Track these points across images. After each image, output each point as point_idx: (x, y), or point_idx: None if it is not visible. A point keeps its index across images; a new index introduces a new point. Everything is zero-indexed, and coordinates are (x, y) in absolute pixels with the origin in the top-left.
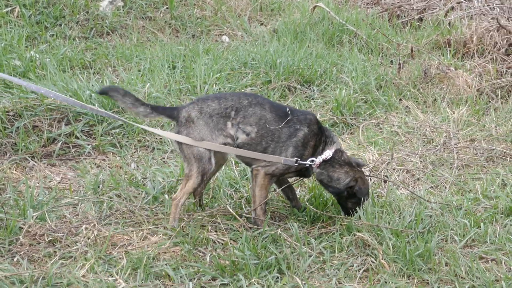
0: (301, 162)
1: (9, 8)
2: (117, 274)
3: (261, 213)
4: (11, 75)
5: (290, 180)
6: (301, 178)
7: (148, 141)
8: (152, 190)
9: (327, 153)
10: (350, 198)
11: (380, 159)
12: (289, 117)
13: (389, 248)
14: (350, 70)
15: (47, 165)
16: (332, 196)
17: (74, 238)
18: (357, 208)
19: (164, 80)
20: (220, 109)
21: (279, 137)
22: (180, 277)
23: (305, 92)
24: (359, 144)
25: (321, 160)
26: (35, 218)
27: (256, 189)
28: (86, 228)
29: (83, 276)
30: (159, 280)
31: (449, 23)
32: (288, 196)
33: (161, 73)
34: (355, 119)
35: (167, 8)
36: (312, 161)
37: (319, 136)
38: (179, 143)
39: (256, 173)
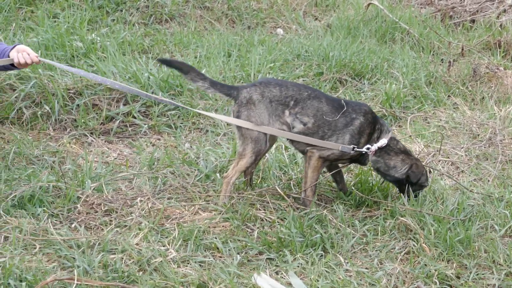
0: (357, 149)
1: None
2: (168, 244)
3: (310, 194)
4: (73, 56)
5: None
6: (355, 164)
7: (202, 123)
8: (204, 169)
9: (383, 141)
10: (411, 186)
11: (426, 151)
12: (345, 108)
13: (430, 233)
14: (401, 66)
15: (105, 141)
16: (379, 181)
17: (129, 209)
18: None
19: (220, 67)
20: (280, 96)
21: (335, 126)
22: (229, 250)
23: (356, 85)
24: (407, 136)
25: (376, 148)
26: (93, 189)
27: (308, 170)
28: (140, 201)
29: (137, 244)
30: (209, 252)
31: (501, 25)
32: (335, 179)
33: (216, 61)
34: (403, 112)
35: None
36: (368, 148)
37: (374, 125)
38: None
39: (311, 155)
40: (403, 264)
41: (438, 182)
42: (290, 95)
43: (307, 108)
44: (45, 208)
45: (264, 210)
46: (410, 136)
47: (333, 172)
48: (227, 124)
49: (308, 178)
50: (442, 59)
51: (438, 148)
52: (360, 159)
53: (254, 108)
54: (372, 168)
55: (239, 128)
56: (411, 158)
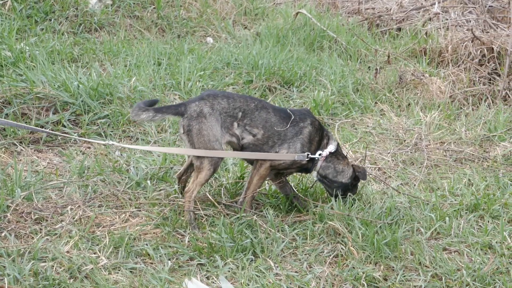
0: (311, 156)
1: (1, 2)
2: (99, 252)
3: (249, 200)
4: (2, 65)
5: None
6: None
7: (132, 131)
8: (135, 176)
9: (332, 147)
10: (352, 188)
11: (354, 157)
12: (292, 117)
13: (358, 237)
14: (329, 74)
15: (35, 150)
16: (308, 187)
17: (60, 217)
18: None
19: (150, 75)
20: (228, 108)
21: (285, 136)
22: (160, 256)
23: (285, 93)
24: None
25: (327, 153)
26: (22, 198)
27: (255, 177)
28: (71, 209)
29: (67, 252)
30: (140, 258)
31: (426, 33)
32: (280, 186)
33: (146, 69)
34: (332, 119)
35: (154, 8)
36: (320, 154)
37: (322, 132)
38: (189, 136)
39: (262, 163)
40: (332, 267)
41: (366, 187)
42: (238, 107)
43: (256, 119)
44: None
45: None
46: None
47: (278, 181)
48: (158, 132)
49: (252, 184)
50: (369, 67)
51: (364, 154)
52: (308, 166)
53: (205, 121)
54: (317, 176)
55: (192, 142)
56: (348, 161)
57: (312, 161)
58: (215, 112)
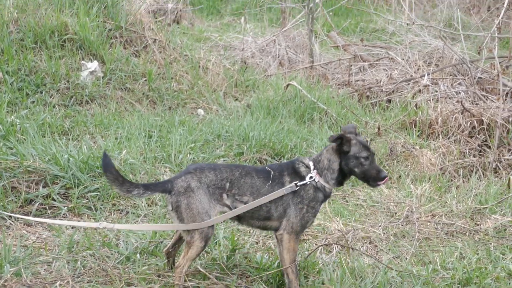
0: (299, 183)
1: None
2: None
3: (293, 277)
4: None
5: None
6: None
7: (122, 204)
8: (124, 251)
9: (309, 163)
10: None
11: (345, 230)
12: (272, 173)
13: None
14: (320, 146)
15: (24, 224)
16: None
17: None
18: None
19: (140, 148)
20: (216, 180)
21: (273, 191)
22: None
23: None
24: (326, 215)
25: (314, 170)
26: (11, 274)
27: (284, 253)
28: (60, 284)
29: None
30: None
31: (416, 105)
32: None
33: (137, 141)
34: None
35: (145, 80)
36: (311, 177)
37: (293, 164)
38: (178, 212)
39: (281, 238)
40: None
41: (358, 261)
42: (225, 177)
43: (243, 187)
44: None
45: None
46: (328, 215)
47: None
48: (148, 206)
49: (285, 260)
50: None
51: (356, 227)
52: (316, 196)
53: (193, 195)
54: (334, 186)
55: (181, 217)
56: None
57: (317, 188)
58: (203, 185)
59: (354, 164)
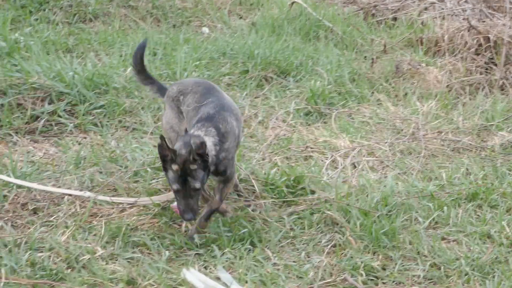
0: None
1: None
2: (96, 242)
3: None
4: None
5: None
6: None
7: (128, 121)
8: (132, 166)
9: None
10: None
11: (351, 146)
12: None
13: (356, 226)
14: (325, 64)
15: (30, 141)
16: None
17: (56, 208)
18: None
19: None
20: (174, 93)
21: None
22: (157, 246)
23: (281, 83)
24: (332, 132)
25: None
26: (19, 188)
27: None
28: (67, 199)
29: (64, 242)
30: (137, 248)
31: (422, 23)
32: None
33: None
34: (328, 109)
35: None
36: None
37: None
38: None
39: None
40: (330, 256)
41: (364, 177)
42: (180, 90)
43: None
44: None
45: None
46: (334, 132)
47: None
48: (154, 122)
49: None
50: (365, 56)
51: (362, 144)
52: None
53: (166, 106)
54: None
55: None
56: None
57: None
58: (169, 98)
59: (168, 183)
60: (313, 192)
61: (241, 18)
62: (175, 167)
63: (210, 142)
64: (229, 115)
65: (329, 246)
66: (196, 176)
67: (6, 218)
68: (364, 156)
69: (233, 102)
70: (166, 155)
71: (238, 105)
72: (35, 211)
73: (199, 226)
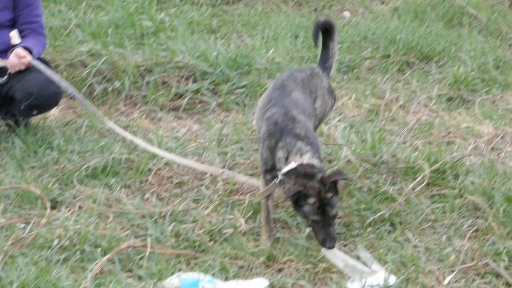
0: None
1: None
2: (238, 217)
3: None
4: (143, 35)
5: None
6: None
7: None
8: None
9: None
10: None
11: (495, 133)
12: None
13: (499, 212)
14: (469, 50)
15: (174, 117)
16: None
17: (200, 182)
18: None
19: (287, 48)
20: None
21: None
22: (297, 224)
23: (423, 68)
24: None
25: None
26: (164, 163)
27: None
28: (210, 175)
29: (207, 215)
30: (278, 225)
31: None
32: None
33: (284, 41)
34: (471, 95)
35: None
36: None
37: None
38: None
39: None
40: (472, 241)
41: (506, 164)
42: None
43: None
44: (118, 179)
45: None
46: (477, 118)
47: None
48: None
49: None
50: (510, 44)
51: (506, 131)
52: None
53: None
54: None
55: None
56: None
57: None
58: None
59: (303, 216)
60: (455, 177)
61: (383, 3)
62: (311, 200)
63: (316, 160)
64: (297, 113)
65: (471, 231)
66: (333, 203)
67: (152, 191)
68: (508, 143)
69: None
70: (300, 191)
71: (379, 89)
72: (179, 185)
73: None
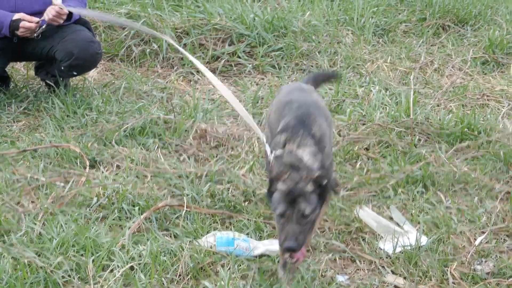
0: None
1: None
2: None
3: None
4: None
5: None
6: None
7: (305, 64)
8: None
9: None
10: None
11: None
12: None
13: None
14: (504, 14)
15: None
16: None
17: (236, 143)
18: None
19: (323, 10)
20: None
21: None
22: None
23: (459, 31)
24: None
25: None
26: (200, 124)
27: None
28: (246, 135)
29: (243, 175)
30: None
31: None
32: None
33: (320, 4)
34: (506, 58)
35: None
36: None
37: None
38: None
39: None
40: (503, 203)
41: None
42: None
43: None
44: (155, 140)
45: (367, 149)
46: None
47: None
48: (329, 66)
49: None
50: None
51: None
52: None
53: None
54: None
55: None
56: None
57: None
58: None
59: (272, 207)
60: (488, 139)
61: None
62: (282, 186)
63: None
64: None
65: (502, 193)
66: (310, 200)
67: (188, 152)
68: None
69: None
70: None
71: (414, 53)
72: (215, 146)
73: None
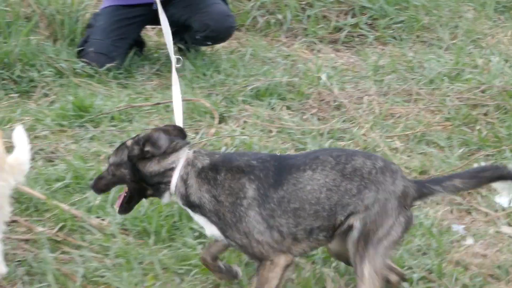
0: None
1: None
2: (392, 138)
3: None
4: None
5: None
6: None
7: (426, 37)
8: (428, 74)
9: None
10: None
11: None
12: None
13: None
14: None
15: (333, 49)
16: None
17: (356, 105)
18: None
19: None
20: None
21: None
22: (449, 146)
23: None
24: None
25: None
26: (322, 86)
27: None
28: (367, 99)
29: (363, 134)
30: (430, 146)
31: None
32: None
33: None
34: None
35: None
36: None
37: None
38: None
39: None
40: None
41: None
42: None
43: None
44: (279, 100)
45: (485, 114)
46: None
47: None
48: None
49: None
50: None
51: None
52: None
53: None
54: None
55: None
56: None
57: None
58: None
59: None
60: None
61: None
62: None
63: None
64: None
65: None
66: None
67: (311, 112)
68: None
69: None
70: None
71: None
72: (337, 107)
73: None
